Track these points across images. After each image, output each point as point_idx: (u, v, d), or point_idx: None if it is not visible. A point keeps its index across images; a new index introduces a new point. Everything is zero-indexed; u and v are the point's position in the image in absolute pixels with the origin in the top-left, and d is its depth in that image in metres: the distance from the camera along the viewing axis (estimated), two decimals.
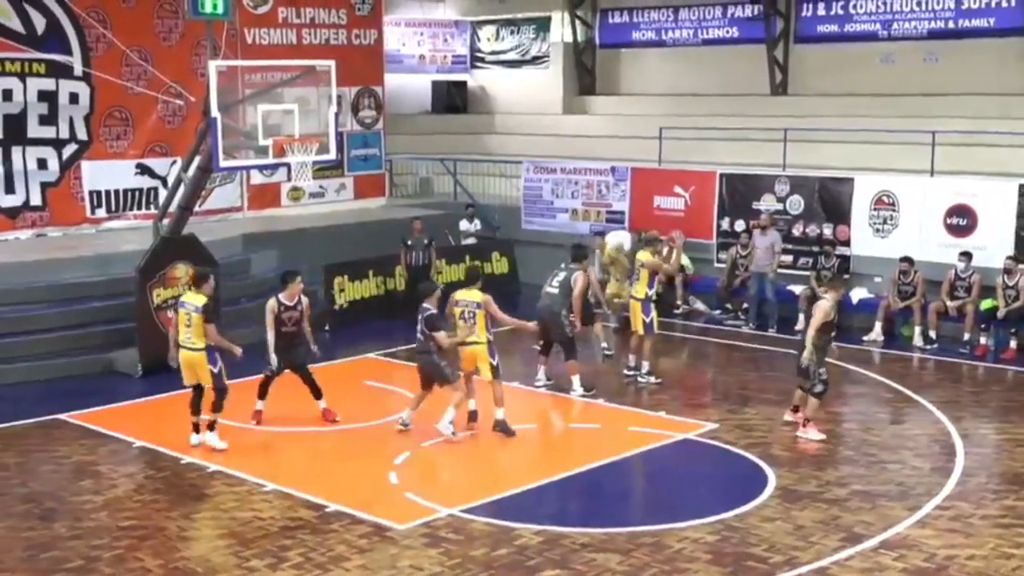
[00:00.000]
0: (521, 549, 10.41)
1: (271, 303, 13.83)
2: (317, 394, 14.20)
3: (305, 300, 14.12)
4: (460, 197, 25.30)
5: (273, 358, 13.81)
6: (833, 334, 13.82)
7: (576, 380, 15.60)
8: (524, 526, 10.89)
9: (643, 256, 16.31)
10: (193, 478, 12.36)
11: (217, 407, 13.02)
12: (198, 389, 13.16)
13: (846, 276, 19.71)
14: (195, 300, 13.04)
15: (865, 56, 24.06)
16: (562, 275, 15.93)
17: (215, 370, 12.92)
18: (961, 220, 19.13)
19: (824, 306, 13.38)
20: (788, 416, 14.00)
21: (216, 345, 12.97)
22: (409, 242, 20.89)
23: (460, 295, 14.00)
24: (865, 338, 18.67)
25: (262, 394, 14.03)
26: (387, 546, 10.52)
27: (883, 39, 23.91)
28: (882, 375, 16.75)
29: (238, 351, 13.15)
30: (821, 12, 24.72)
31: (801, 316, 19.30)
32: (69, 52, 20.19)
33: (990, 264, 18.31)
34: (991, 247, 18.55)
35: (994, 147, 20.10)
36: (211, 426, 13.10)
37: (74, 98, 20.39)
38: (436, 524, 10.98)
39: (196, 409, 13.24)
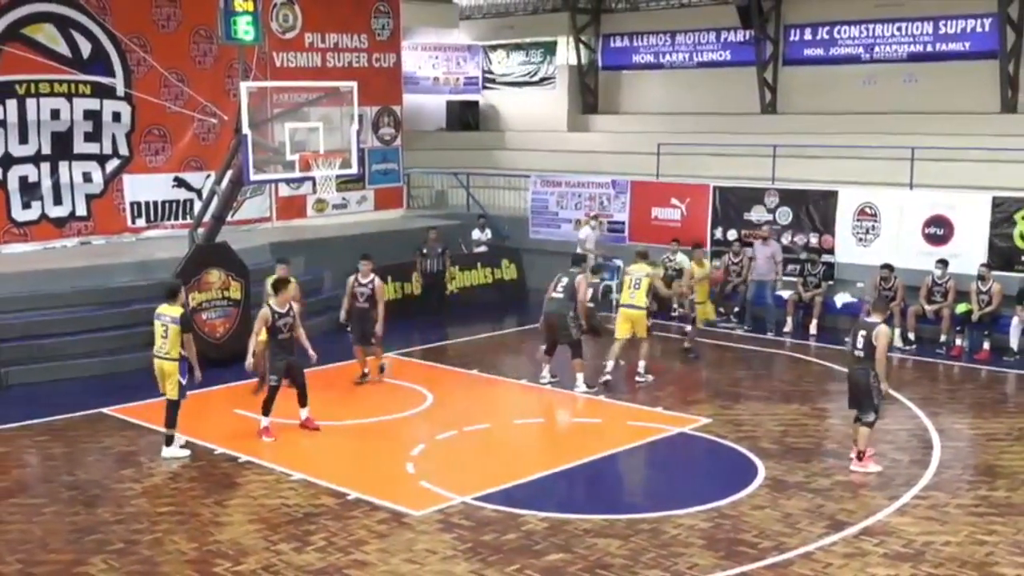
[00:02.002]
0: (528, 534, 10.42)
1: (264, 312, 13.21)
2: (303, 401, 13.43)
3: (296, 306, 13.63)
4: (472, 208, 25.30)
5: (267, 372, 13.61)
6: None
7: (580, 377, 15.59)
8: (531, 513, 10.90)
9: (697, 270, 18.31)
10: (226, 467, 12.39)
11: (171, 422, 12.62)
12: None
13: (831, 282, 19.70)
14: (171, 312, 12.64)
15: (849, 78, 24.03)
16: (565, 280, 15.90)
17: (183, 381, 12.52)
18: (938, 230, 19.09)
19: (886, 330, 12.13)
20: (855, 466, 12.26)
21: (187, 355, 12.60)
22: (424, 251, 20.91)
23: (632, 268, 16.39)
24: (848, 339, 18.56)
25: (267, 410, 13.18)
26: (404, 531, 10.53)
27: (866, 62, 23.90)
28: None
29: (198, 374, 12.76)
30: (808, 37, 24.72)
31: (789, 319, 19.47)
32: (112, 74, 20.24)
33: (965, 271, 18.24)
34: (966, 255, 18.50)
35: (969, 162, 20.06)
36: (169, 440, 12.71)
37: (116, 117, 20.42)
38: (449, 511, 10.99)
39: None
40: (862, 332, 12.09)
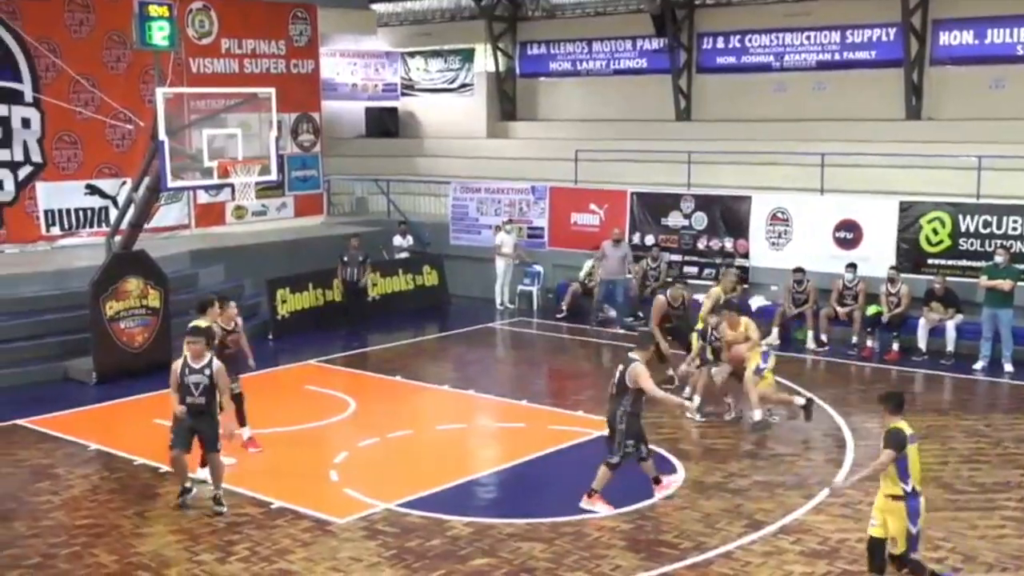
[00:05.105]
0: (453, 539, 10.42)
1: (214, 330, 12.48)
2: (242, 421, 12.96)
3: (240, 321, 13.38)
4: (393, 215, 25.21)
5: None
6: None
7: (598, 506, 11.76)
8: (455, 518, 10.91)
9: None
10: (146, 478, 12.19)
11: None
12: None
13: (745, 286, 19.95)
14: (200, 325, 12.19)
15: (760, 85, 24.42)
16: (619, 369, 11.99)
17: None
18: (848, 234, 19.48)
19: (640, 369, 10.97)
20: (584, 503, 11.15)
21: None
22: (345, 258, 20.79)
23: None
24: (763, 341, 18.83)
25: (243, 421, 12.86)
26: (328, 539, 10.47)
27: (776, 70, 24.30)
28: (779, 375, 16.85)
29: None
30: (720, 45, 25.06)
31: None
32: (20, 80, 19.83)
33: (874, 274, 18.64)
34: (875, 258, 18.89)
35: (877, 168, 20.48)
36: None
37: (26, 123, 20.02)
38: (373, 518, 10.95)
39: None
40: (620, 367, 11.13)
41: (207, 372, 11.10)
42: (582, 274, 21.53)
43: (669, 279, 19.72)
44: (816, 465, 12.66)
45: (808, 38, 23.83)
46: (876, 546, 9.02)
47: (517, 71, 28.69)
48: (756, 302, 19.64)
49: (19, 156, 20.01)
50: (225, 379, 11.27)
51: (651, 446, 11.54)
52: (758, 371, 14.12)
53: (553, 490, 12.41)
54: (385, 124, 29.57)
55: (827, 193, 20.22)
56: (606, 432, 11.34)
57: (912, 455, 8.87)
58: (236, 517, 10.98)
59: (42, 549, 10.22)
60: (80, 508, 11.34)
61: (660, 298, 16.38)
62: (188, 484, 11.37)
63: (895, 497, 8.81)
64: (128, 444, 13.13)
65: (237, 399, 12.72)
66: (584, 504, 11.09)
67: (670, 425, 14.08)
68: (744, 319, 14.80)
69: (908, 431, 8.92)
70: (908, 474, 8.80)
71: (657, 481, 11.54)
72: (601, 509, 11.03)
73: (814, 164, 20.39)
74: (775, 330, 18.98)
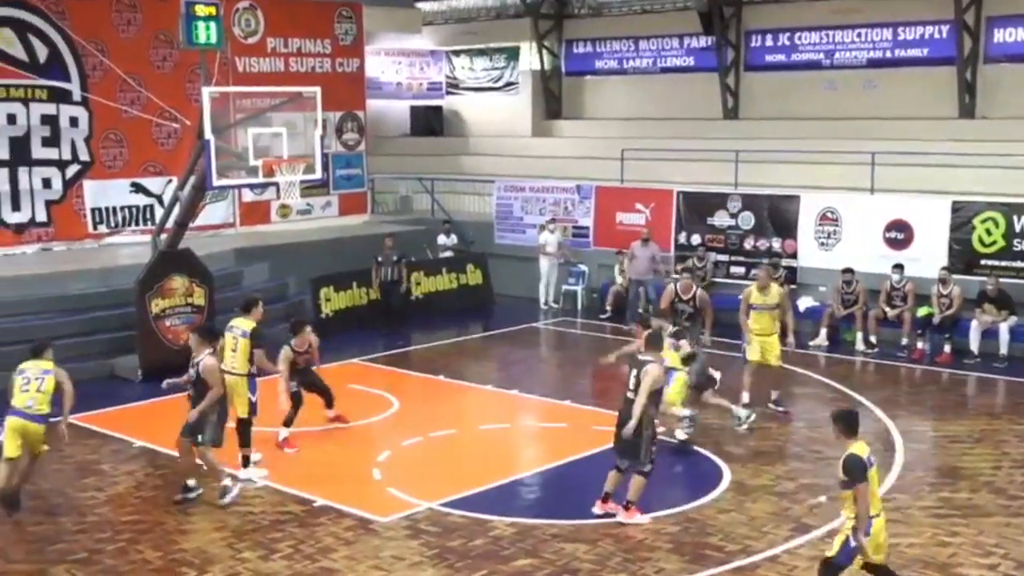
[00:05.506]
0: (495, 540, 10.42)
1: (286, 352, 13.20)
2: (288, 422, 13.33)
3: (316, 340, 13.69)
4: (437, 214, 25.27)
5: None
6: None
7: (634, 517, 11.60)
8: (498, 518, 10.90)
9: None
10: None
11: (245, 442, 12.22)
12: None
13: (793, 286, 19.81)
14: (244, 325, 12.46)
15: (810, 83, 24.23)
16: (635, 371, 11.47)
17: (253, 399, 12.21)
18: (899, 234, 19.28)
19: (654, 370, 10.75)
20: (597, 508, 11.06)
21: (259, 371, 12.39)
22: (380, 258, 20.84)
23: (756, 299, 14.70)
24: (811, 343, 18.77)
25: (289, 422, 13.27)
26: (371, 538, 10.50)
27: (826, 67, 24.10)
28: (827, 377, 16.84)
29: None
30: (769, 43, 24.90)
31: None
32: (68, 79, 20.10)
33: (925, 275, 18.43)
34: (926, 259, 18.67)
35: (929, 167, 20.26)
36: (246, 461, 12.23)
37: (74, 121, 20.27)
38: (416, 517, 10.97)
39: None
40: (634, 370, 10.84)
41: (199, 367, 11.46)
42: (616, 276, 21.48)
43: (703, 276, 19.63)
44: None
45: (859, 35, 23.62)
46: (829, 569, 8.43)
47: (563, 69, 28.66)
48: (804, 303, 19.51)
49: (67, 155, 20.27)
50: (213, 377, 11.44)
51: (696, 447, 11.47)
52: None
53: (597, 491, 12.33)
54: (430, 123, 29.68)
55: (877, 193, 20.02)
56: (627, 439, 10.70)
57: (872, 479, 8.17)
58: (279, 515, 11.05)
59: (88, 544, 10.34)
60: (125, 504, 11.47)
61: (670, 286, 16.13)
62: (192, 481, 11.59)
63: (848, 518, 8.22)
64: (172, 441, 13.07)
65: (296, 398, 13.20)
66: (623, 518, 10.78)
67: (715, 426, 13.99)
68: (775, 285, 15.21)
69: (866, 454, 8.14)
70: (867, 501, 8.11)
71: (607, 499, 11.06)
72: (642, 520, 10.83)
73: (864, 163, 20.18)
74: (823, 331, 18.83)
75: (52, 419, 11.09)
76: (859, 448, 8.18)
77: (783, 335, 15.04)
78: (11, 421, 10.87)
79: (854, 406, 11.05)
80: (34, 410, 10.91)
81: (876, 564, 8.39)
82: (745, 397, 14.49)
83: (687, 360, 13.42)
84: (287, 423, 13.20)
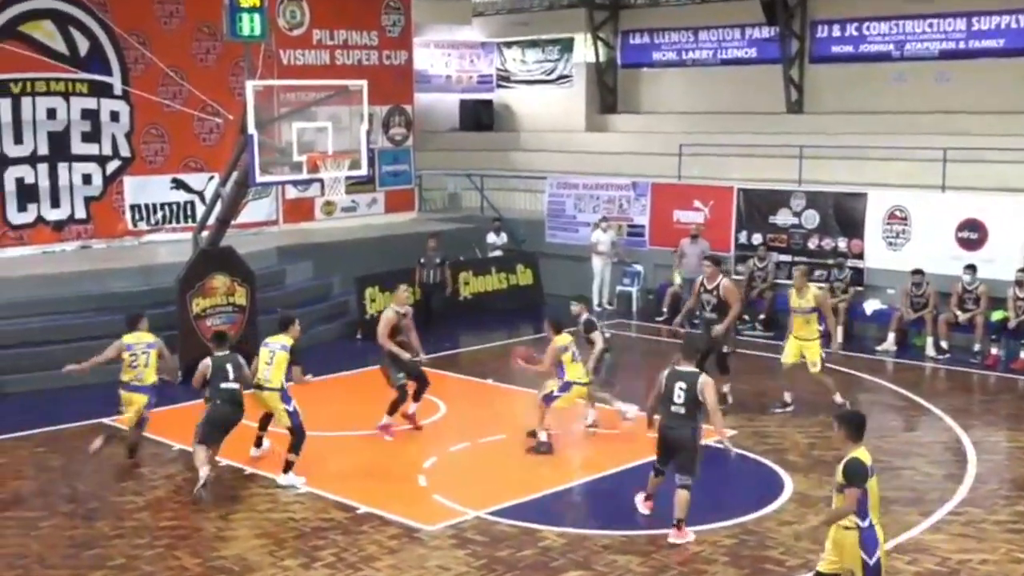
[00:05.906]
0: (545, 550, 10.38)
1: (388, 313, 14.06)
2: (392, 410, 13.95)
3: (410, 309, 14.37)
4: (487, 211, 25.31)
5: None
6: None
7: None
8: (548, 528, 10.87)
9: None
10: (230, 480, 12.38)
11: (296, 448, 12.22)
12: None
13: (859, 288, 19.58)
14: (282, 340, 12.56)
15: (878, 75, 23.96)
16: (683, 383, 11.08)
17: (290, 409, 12.27)
18: (972, 234, 19.00)
19: (709, 381, 10.75)
20: (673, 537, 10.66)
21: (296, 384, 12.58)
22: (422, 260, 20.84)
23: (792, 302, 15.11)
24: (879, 348, 18.57)
25: (393, 410, 13.84)
26: (416, 547, 10.51)
27: (896, 59, 23.82)
28: (895, 384, 16.64)
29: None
30: (836, 33, 24.66)
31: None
32: (109, 72, 20.33)
33: (1000, 276, 18.16)
34: (1001, 260, 18.41)
35: (1003, 163, 19.97)
36: (287, 467, 12.23)
37: (115, 116, 20.50)
38: (463, 526, 10.97)
39: (264, 424, 12.88)
40: (680, 384, 10.60)
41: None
42: (675, 277, 21.26)
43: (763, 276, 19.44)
44: (935, 480, 12.35)
45: (930, 25, 23.31)
46: None
47: (618, 61, 28.56)
48: (871, 306, 19.34)
49: (107, 150, 20.51)
50: (199, 374, 12.41)
51: (757, 456, 11.38)
52: (550, 398, 13.49)
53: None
54: (480, 117, 29.68)
55: (949, 191, 19.75)
56: (690, 455, 10.60)
57: (872, 488, 7.94)
58: (321, 522, 11.09)
59: (126, 550, 10.44)
60: (164, 509, 11.57)
61: (699, 277, 15.91)
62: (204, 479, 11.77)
63: (847, 528, 8.02)
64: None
65: (401, 390, 13.86)
66: (674, 539, 10.51)
67: (776, 435, 13.87)
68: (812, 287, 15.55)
69: (868, 461, 7.93)
70: (867, 511, 7.92)
71: (650, 497, 11.24)
72: (692, 536, 10.62)
73: (935, 159, 19.93)
74: (891, 336, 18.61)
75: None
76: (862, 454, 8.06)
77: (827, 341, 15.18)
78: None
79: (861, 410, 10.95)
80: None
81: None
82: (787, 397, 14.98)
83: (601, 356, 14.18)
84: (391, 412, 13.73)
